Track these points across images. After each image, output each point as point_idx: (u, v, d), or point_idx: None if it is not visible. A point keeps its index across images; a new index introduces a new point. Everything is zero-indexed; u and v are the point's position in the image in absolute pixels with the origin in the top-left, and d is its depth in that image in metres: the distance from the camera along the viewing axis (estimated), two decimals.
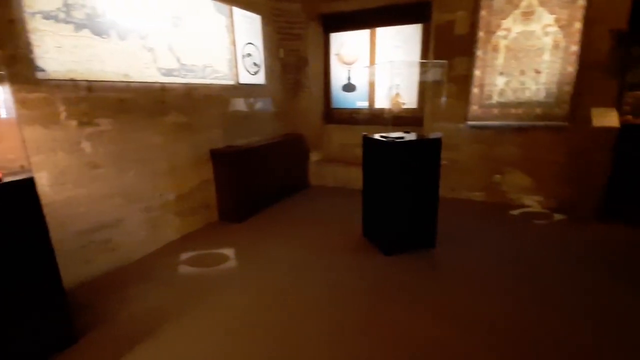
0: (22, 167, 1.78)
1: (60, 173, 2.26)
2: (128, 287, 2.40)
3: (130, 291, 2.36)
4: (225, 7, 3.56)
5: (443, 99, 3.91)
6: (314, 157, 4.99)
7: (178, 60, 3.05)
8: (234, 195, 3.56)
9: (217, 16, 3.49)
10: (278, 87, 4.60)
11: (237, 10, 3.73)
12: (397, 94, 3.11)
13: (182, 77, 3.11)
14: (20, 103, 2.03)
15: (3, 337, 1.59)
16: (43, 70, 2.14)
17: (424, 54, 4.25)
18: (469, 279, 2.42)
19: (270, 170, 4.07)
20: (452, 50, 3.87)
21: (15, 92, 1.99)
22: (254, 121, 4.19)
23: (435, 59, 3.93)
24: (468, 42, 3.79)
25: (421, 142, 2.69)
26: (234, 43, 3.72)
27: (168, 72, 2.97)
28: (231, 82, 3.75)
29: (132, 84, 2.67)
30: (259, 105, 4.25)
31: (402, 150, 2.60)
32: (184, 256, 2.86)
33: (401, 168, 2.61)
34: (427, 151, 2.67)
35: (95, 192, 2.48)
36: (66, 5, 2.22)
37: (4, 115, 1.91)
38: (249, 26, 3.97)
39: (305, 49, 4.64)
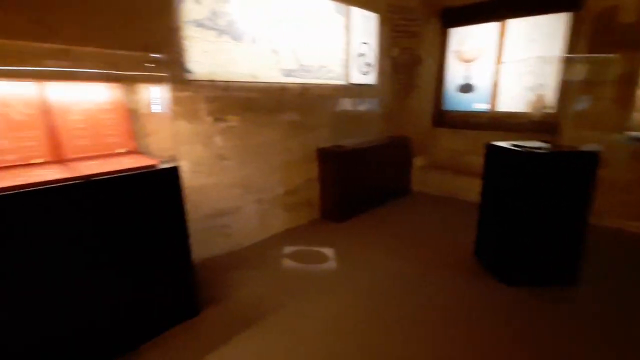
0: (171, 156, 2.06)
1: (197, 163, 2.57)
2: (237, 271, 2.59)
3: (239, 275, 2.54)
4: (344, 7, 3.57)
5: (584, 104, 3.20)
6: (418, 162, 4.69)
7: (298, 61, 3.18)
8: (337, 194, 3.57)
9: (336, 17, 3.52)
10: (388, 88, 4.45)
11: (355, 10, 3.71)
12: (540, 96, 2.62)
13: (299, 77, 3.24)
14: (172, 101, 2.35)
15: (141, 302, 1.86)
16: (191, 72, 2.44)
17: (572, 48, 3.53)
18: (614, 336, 1.89)
19: (373, 173, 3.97)
20: (613, 42, 3.13)
21: (169, 91, 2.32)
22: (361, 121, 4.13)
23: (589, 53, 3.24)
24: (637, 33, 3.01)
25: (571, 155, 2.21)
26: (349, 43, 3.71)
27: (288, 73, 3.11)
28: (342, 82, 3.75)
29: (258, 84, 2.88)
30: (367, 105, 4.18)
31: (545, 164, 2.17)
32: (287, 250, 2.97)
33: (540, 185, 2.19)
34: (578, 167, 2.18)
35: (221, 181, 2.75)
36: (213, 13, 2.49)
37: (161, 111, 2.24)
38: (365, 25, 3.91)
39: (420, 47, 4.37)
